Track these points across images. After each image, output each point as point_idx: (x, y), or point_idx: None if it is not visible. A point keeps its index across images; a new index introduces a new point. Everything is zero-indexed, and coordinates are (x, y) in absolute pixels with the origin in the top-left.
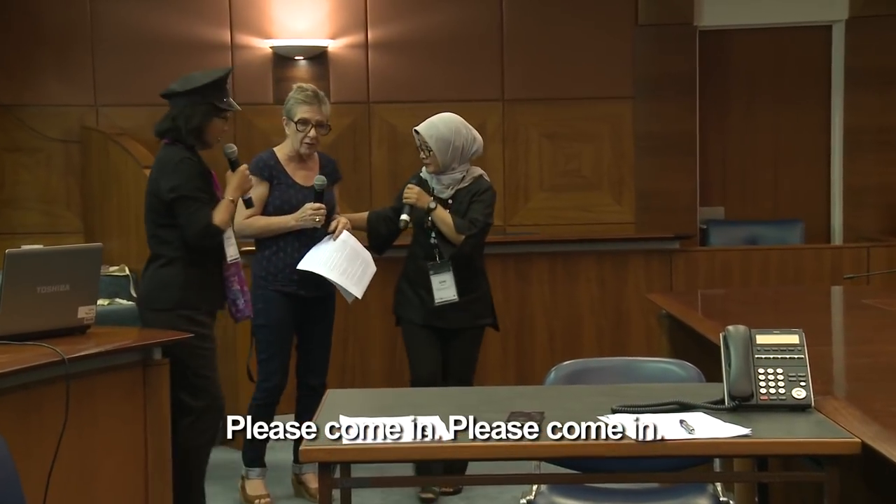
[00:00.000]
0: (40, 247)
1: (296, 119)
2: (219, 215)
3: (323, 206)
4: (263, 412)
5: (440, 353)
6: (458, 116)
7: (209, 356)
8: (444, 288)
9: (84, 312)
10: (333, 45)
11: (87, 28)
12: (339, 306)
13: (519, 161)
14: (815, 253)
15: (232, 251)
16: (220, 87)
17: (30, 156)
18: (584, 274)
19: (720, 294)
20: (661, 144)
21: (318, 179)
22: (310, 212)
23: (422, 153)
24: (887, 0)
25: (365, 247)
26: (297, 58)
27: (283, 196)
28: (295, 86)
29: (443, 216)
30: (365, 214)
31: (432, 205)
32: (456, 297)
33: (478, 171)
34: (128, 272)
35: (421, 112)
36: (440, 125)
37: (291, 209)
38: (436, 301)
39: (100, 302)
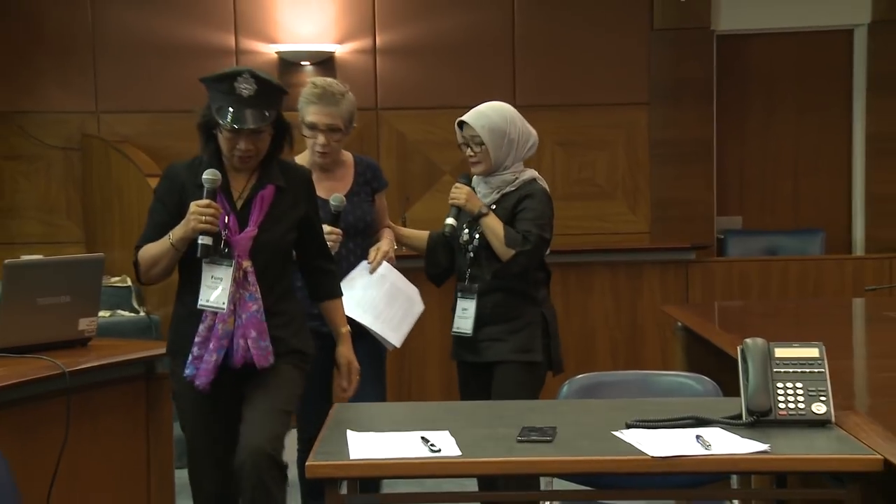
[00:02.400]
0: (40, 257)
1: (305, 122)
2: (148, 248)
3: (338, 231)
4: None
5: (477, 397)
6: (509, 105)
7: (183, 417)
8: (464, 317)
9: (85, 324)
10: (341, 50)
11: (88, 33)
12: None
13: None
14: (836, 264)
15: (206, 295)
16: (219, 89)
17: (29, 164)
18: (598, 285)
19: (738, 306)
20: (678, 152)
21: (335, 199)
22: None
23: (468, 151)
24: None
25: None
26: (303, 63)
27: None
28: (309, 80)
29: (494, 225)
30: (424, 234)
31: (484, 209)
32: (470, 331)
33: (531, 173)
34: (129, 283)
35: (431, 119)
36: (492, 114)
37: None
38: (452, 329)
39: (101, 314)
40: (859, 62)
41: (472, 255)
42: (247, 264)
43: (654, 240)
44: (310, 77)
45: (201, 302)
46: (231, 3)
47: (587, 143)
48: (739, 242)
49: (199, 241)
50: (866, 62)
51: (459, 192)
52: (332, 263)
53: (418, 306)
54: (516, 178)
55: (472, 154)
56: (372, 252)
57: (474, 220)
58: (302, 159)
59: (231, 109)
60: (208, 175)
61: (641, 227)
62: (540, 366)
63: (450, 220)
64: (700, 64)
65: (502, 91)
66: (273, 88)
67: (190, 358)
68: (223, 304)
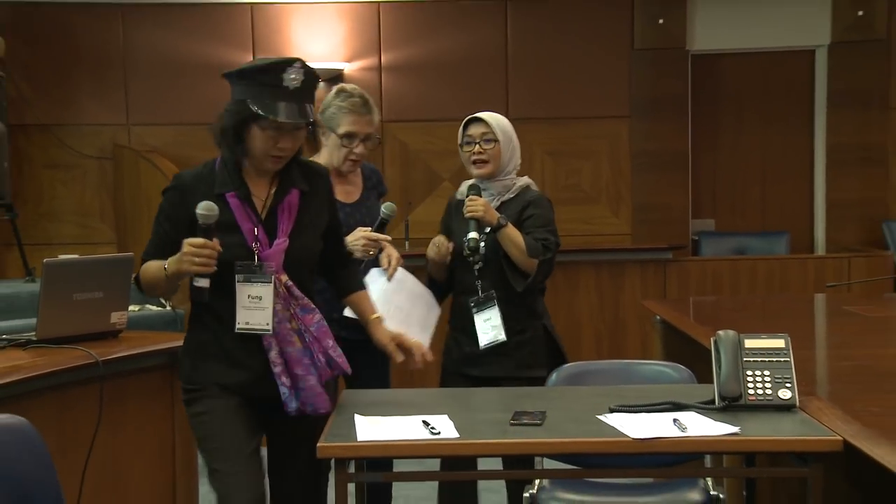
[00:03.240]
0: (76, 256)
1: (340, 132)
2: (148, 268)
3: (386, 237)
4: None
5: None
6: None
7: (214, 449)
8: (490, 329)
9: (116, 317)
10: (349, 68)
11: (120, 52)
12: None
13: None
14: (799, 263)
15: (244, 317)
16: (263, 81)
17: (67, 172)
18: (584, 282)
19: (711, 301)
20: (656, 161)
21: (387, 207)
22: (363, 242)
23: (476, 149)
24: (866, 27)
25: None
26: None
27: None
28: (335, 88)
29: (514, 236)
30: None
31: (503, 220)
32: (504, 336)
33: (526, 179)
34: None
35: (431, 130)
36: (500, 117)
37: None
38: (482, 345)
39: (131, 308)
40: (820, 80)
41: (481, 265)
42: (284, 278)
43: (635, 241)
44: (321, 93)
45: (240, 325)
46: (249, 25)
47: (574, 153)
48: (712, 243)
49: (194, 284)
50: (826, 80)
51: (476, 205)
52: (350, 259)
53: (436, 309)
54: (514, 184)
55: (480, 152)
56: (384, 259)
57: (492, 232)
58: (317, 160)
59: (278, 102)
60: (203, 210)
61: (623, 229)
62: (543, 381)
63: (473, 235)
64: (676, 81)
65: (496, 105)
66: (315, 79)
67: (286, 391)
68: (268, 324)
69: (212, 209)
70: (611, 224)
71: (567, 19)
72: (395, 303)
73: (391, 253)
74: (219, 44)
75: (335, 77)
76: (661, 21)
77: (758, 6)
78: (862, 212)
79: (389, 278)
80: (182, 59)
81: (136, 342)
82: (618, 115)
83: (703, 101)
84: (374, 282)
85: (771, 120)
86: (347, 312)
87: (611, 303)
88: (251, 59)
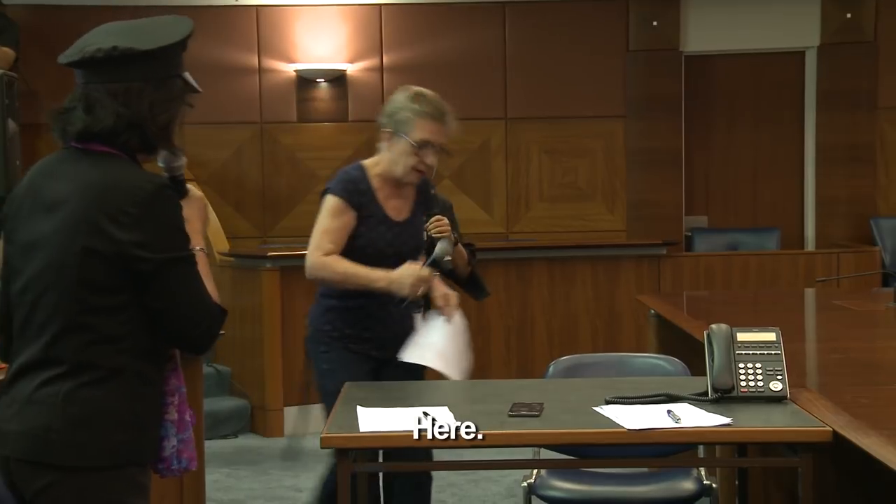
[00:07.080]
0: None
1: (415, 138)
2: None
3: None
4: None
5: None
6: None
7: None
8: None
9: None
10: (352, 69)
11: None
12: None
13: (520, 174)
14: (790, 258)
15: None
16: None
17: None
18: (580, 277)
19: (704, 295)
20: (650, 159)
21: (440, 249)
22: (410, 280)
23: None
24: (854, 29)
25: None
26: (318, 80)
27: (371, 233)
28: (410, 92)
29: (462, 250)
30: None
31: (457, 236)
32: None
33: None
34: None
35: None
36: None
37: (377, 251)
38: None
39: None
40: (810, 80)
41: None
42: None
43: (630, 237)
44: (324, 92)
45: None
46: (255, 26)
47: (570, 151)
48: (705, 239)
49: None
50: (816, 80)
51: (444, 224)
52: None
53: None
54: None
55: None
56: (440, 297)
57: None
58: (373, 168)
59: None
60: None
61: (618, 225)
62: None
63: (450, 257)
64: (670, 81)
65: (495, 104)
66: None
67: (179, 448)
68: None
69: None
70: (606, 220)
71: (563, 22)
72: (443, 345)
73: (450, 294)
74: (226, 45)
75: (338, 77)
76: (654, 23)
77: (749, 9)
78: (850, 209)
79: (449, 319)
80: (189, 60)
81: None
82: (613, 115)
83: (696, 101)
84: (435, 327)
85: (762, 119)
86: (405, 358)
87: (606, 297)
88: (256, 60)
